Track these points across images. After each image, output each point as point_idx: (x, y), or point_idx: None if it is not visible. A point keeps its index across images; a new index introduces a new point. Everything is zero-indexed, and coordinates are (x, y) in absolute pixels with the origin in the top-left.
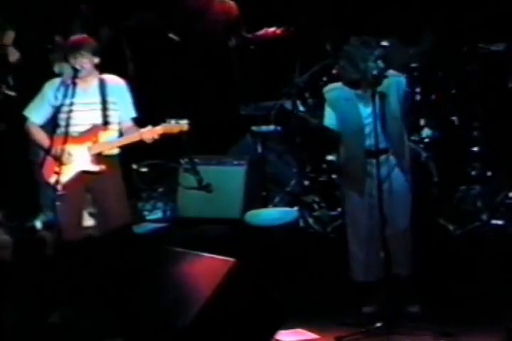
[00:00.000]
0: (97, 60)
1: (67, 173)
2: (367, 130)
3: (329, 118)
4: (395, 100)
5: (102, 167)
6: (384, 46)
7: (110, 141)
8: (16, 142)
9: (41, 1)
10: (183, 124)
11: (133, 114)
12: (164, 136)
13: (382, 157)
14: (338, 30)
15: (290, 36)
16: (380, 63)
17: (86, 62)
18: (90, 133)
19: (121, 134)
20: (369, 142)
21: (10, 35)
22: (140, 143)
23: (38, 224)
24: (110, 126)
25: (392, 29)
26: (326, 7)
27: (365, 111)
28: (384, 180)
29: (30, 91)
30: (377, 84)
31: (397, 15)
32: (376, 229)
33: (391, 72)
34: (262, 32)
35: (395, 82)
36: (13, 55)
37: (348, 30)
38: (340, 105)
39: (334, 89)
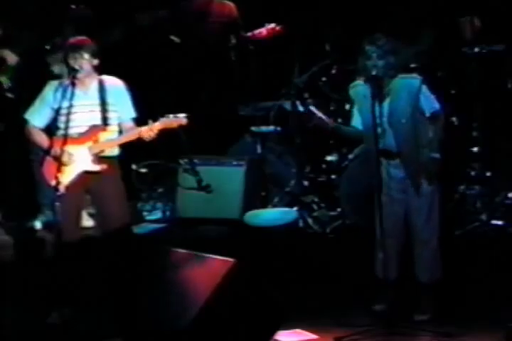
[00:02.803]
0: (96, 62)
1: (69, 174)
2: (379, 129)
3: (355, 116)
4: (403, 104)
5: (104, 166)
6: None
7: (110, 140)
8: (15, 142)
9: (40, 1)
10: (182, 118)
11: (133, 114)
12: (164, 132)
13: (397, 161)
14: (337, 31)
15: (289, 34)
16: (381, 62)
17: (85, 63)
18: (90, 134)
19: (121, 134)
20: (383, 142)
21: (11, 56)
22: (140, 142)
23: (38, 225)
24: (110, 127)
25: (392, 29)
26: (326, 7)
27: (379, 109)
28: (401, 187)
29: (29, 92)
30: (379, 85)
31: (396, 14)
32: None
33: (406, 75)
34: (261, 30)
35: (406, 84)
36: (11, 58)
37: (347, 30)
38: (360, 101)
39: (356, 86)
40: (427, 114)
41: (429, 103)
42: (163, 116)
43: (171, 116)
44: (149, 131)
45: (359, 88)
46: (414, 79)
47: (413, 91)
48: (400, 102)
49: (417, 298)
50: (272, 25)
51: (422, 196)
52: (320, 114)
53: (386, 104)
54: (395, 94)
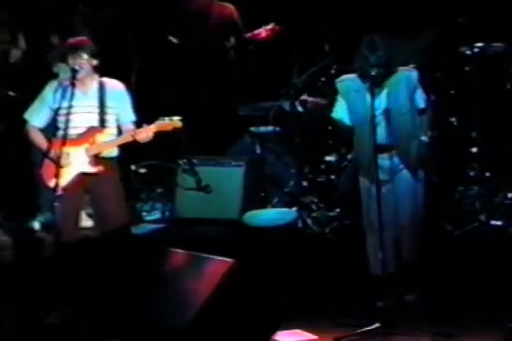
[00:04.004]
0: (95, 62)
1: (66, 176)
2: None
3: (340, 110)
4: (404, 96)
5: (100, 168)
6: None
7: (107, 142)
8: (15, 142)
9: (40, 0)
10: (176, 121)
11: (133, 117)
12: (159, 134)
13: (388, 153)
14: (337, 31)
15: (288, 34)
16: (380, 70)
17: (84, 63)
18: (87, 135)
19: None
20: (376, 135)
21: (22, 40)
22: (139, 143)
23: (37, 225)
24: (107, 128)
25: (392, 28)
26: (325, 7)
27: (375, 103)
28: (388, 178)
29: (30, 91)
30: (377, 85)
31: (396, 14)
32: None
33: (404, 68)
34: (260, 30)
35: (404, 77)
36: (14, 55)
37: (346, 30)
38: (350, 96)
39: (346, 80)
40: (422, 106)
41: (421, 95)
42: (158, 118)
43: (166, 118)
44: (144, 133)
45: (348, 82)
46: (413, 72)
47: (412, 83)
48: (400, 94)
49: (405, 279)
50: (271, 25)
51: (404, 181)
52: (311, 98)
53: (382, 97)
54: (394, 86)
